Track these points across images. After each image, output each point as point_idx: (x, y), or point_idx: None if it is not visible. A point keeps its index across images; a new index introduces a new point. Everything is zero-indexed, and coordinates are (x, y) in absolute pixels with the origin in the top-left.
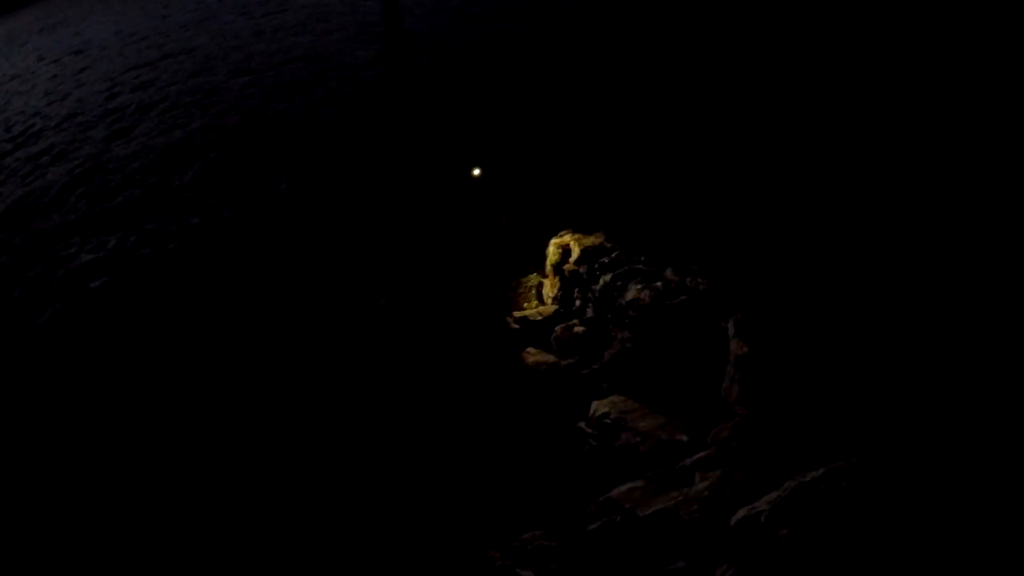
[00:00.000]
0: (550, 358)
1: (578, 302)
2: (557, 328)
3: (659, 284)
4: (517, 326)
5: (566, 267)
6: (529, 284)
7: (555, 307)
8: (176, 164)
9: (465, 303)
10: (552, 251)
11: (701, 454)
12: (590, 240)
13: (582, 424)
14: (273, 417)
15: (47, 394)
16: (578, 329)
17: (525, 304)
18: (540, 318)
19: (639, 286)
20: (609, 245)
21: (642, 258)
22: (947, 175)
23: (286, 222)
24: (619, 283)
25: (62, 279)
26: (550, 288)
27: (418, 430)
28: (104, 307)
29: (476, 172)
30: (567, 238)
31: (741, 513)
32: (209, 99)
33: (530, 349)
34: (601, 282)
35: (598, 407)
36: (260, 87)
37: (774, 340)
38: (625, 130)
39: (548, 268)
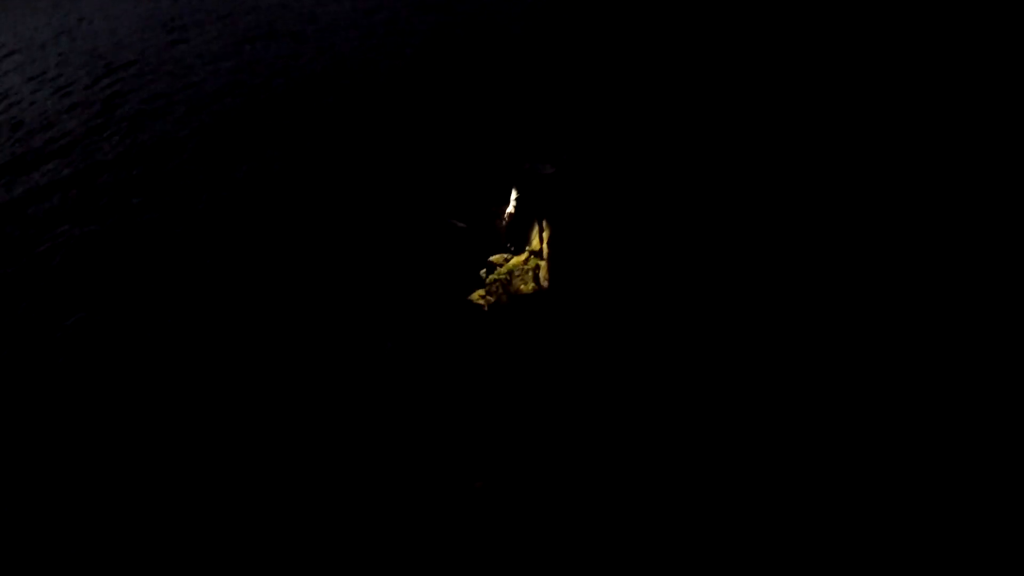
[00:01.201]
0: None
1: None
2: None
3: None
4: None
5: None
6: (527, 268)
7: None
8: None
9: (453, 287)
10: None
11: None
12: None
13: None
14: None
15: (45, 393)
16: None
17: (522, 286)
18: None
19: None
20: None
21: None
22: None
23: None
24: None
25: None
26: (546, 272)
27: (417, 435)
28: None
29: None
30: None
31: None
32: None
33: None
34: None
35: None
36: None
37: None
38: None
39: (545, 251)
